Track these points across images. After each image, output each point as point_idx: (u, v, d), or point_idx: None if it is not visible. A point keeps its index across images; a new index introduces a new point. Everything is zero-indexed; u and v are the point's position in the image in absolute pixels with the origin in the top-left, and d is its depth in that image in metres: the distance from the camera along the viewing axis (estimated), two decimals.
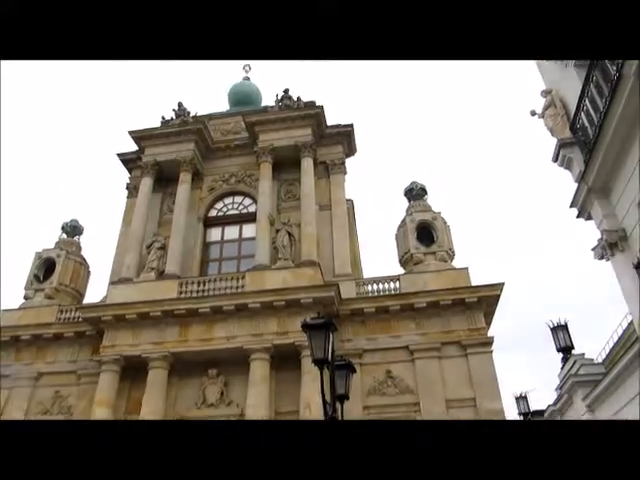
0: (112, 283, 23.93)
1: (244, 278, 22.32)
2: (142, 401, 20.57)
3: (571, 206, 10.71)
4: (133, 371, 21.78)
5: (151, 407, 20.38)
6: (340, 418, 7.72)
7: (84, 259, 27.58)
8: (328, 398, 7.52)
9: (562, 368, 11.65)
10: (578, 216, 10.67)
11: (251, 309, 21.08)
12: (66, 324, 23.68)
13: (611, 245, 9.16)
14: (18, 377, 22.99)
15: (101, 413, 20.46)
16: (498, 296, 21.37)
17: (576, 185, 10.41)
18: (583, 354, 11.02)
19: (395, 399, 20.15)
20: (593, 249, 9.92)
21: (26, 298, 25.58)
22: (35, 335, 23.42)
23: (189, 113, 28.19)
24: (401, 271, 23.64)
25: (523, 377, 64.94)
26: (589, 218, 10.38)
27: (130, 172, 29.08)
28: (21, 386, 22.85)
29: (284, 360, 20.89)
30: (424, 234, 23.70)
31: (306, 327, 7.75)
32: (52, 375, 22.98)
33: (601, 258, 9.66)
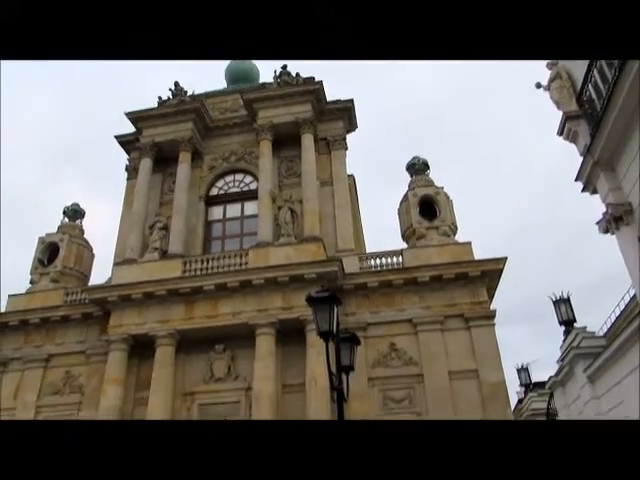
0: (116, 264, 24.11)
1: (247, 255, 22.49)
2: (151, 378, 21.00)
3: (576, 179, 10.69)
4: (141, 349, 22.15)
5: (160, 383, 20.82)
6: (345, 389, 7.90)
7: (87, 242, 27.72)
8: (334, 370, 7.69)
9: (564, 341, 11.84)
10: (583, 190, 10.66)
11: (255, 285, 21.31)
12: (73, 306, 23.97)
13: (616, 219, 9.19)
14: (29, 359, 23.39)
15: (112, 391, 20.92)
16: (501, 270, 21.54)
17: (582, 158, 10.38)
18: (585, 327, 11.18)
19: (399, 371, 20.53)
20: (598, 223, 9.96)
21: (32, 283, 25.82)
22: (43, 318, 23.74)
23: (186, 92, 27.87)
24: (404, 246, 23.76)
25: (525, 350, 65.75)
26: (594, 192, 10.36)
27: (129, 154, 28.94)
28: (32, 368, 23.27)
29: (289, 334, 21.22)
30: (427, 209, 23.74)
31: (311, 301, 7.87)
32: (62, 356, 23.37)
33: (606, 232, 9.70)
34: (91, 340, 23.21)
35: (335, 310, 7.72)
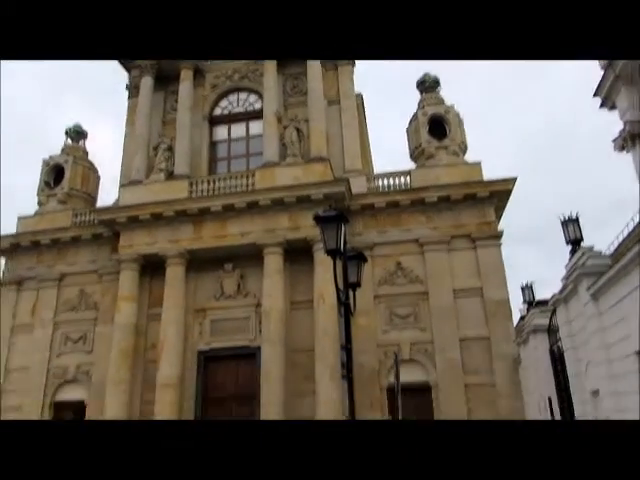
0: (122, 186, 24.09)
1: (254, 176, 22.37)
2: (163, 295, 21.65)
3: (595, 95, 10.28)
4: (152, 268, 22.66)
5: (172, 300, 21.50)
6: (352, 305, 8.10)
7: (92, 164, 27.55)
8: (341, 286, 7.84)
9: (570, 260, 11.93)
10: (602, 105, 10.27)
11: (262, 206, 21.37)
12: (82, 227, 24.30)
13: (633, 136, 8.94)
14: (43, 279, 24.06)
15: (126, 307, 21.67)
16: (510, 191, 21.39)
17: (602, 72, 9.92)
18: (592, 247, 11.20)
19: (405, 288, 21.00)
20: (614, 140, 9.70)
21: (40, 204, 26.01)
22: (54, 239, 24.15)
23: None
24: (412, 166, 23.47)
25: (531, 270, 66.57)
26: (612, 108, 9.99)
27: (129, 72, 27.96)
28: (47, 287, 24.00)
29: (297, 254, 21.56)
30: (436, 128, 23.20)
31: (318, 219, 7.90)
32: (75, 275, 23.99)
33: (621, 150, 9.47)
34: (102, 260, 23.70)
35: (342, 228, 7.75)
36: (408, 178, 22.38)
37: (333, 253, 7.60)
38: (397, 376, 11.00)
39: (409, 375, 18.32)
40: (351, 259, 8.54)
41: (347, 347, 7.70)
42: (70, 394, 22.47)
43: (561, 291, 12.35)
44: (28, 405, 22.22)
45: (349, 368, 7.55)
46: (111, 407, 20.33)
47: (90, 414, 21.50)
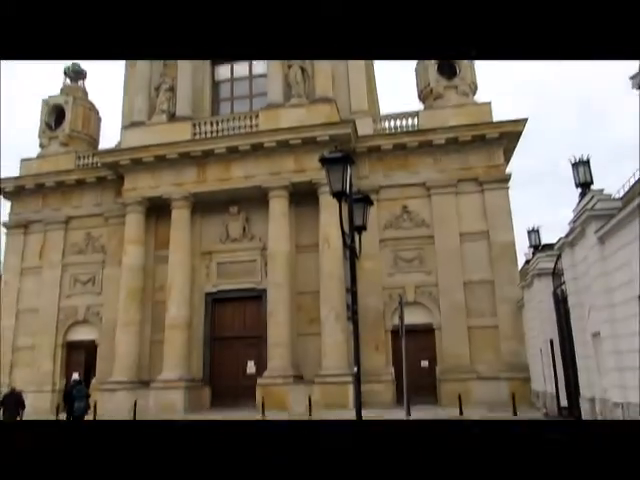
0: (125, 127, 23.68)
1: (258, 117, 21.88)
2: (170, 238, 21.74)
3: None
4: (157, 211, 22.65)
5: (179, 243, 21.61)
6: (358, 249, 8.04)
7: (92, 104, 26.98)
8: (347, 229, 7.75)
9: (578, 203, 11.72)
10: None
11: (267, 148, 21.03)
12: (86, 170, 24.13)
13: None
14: (49, 222, 24.14)
15: (133, 250, 21.83)
16: (520, 132, 20.87)
17: None
18: (602, 189, 10.97)
19: (410, 232, 20.96)
20: (632, 77, 9.29)
21: (42, 147, 25.72)
22: (58, 182, 24.06)
23: None
24: (420, 107, 22.85)
25: (539, 214, 66.11)
26: None
27: None
28: (54, 230, 24.13)
29: (302, 197, 21.43)
30: (446, 67, 22.38)
31: (324, 161, 7.71)
32: (81, 218, 24.05)
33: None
34: (107, 203, 23.67)
35: (348, 170, 7.56)
36: (416, 119, 21.84)
37: (339, 195, 7.45)
38: (401, 318, 11.11)
39: (413, 317, 18.59)
40: (357, 202, 8.39)
41: (352, 290, 7.71)
42: (81, 334, 23.04)
43: (568, 234, 12.23)
44: (40, 345, 22.86)
45: (354, 310, 7.59)
46: (121, 347, 20.88)
47: (101, 353, 22.13)
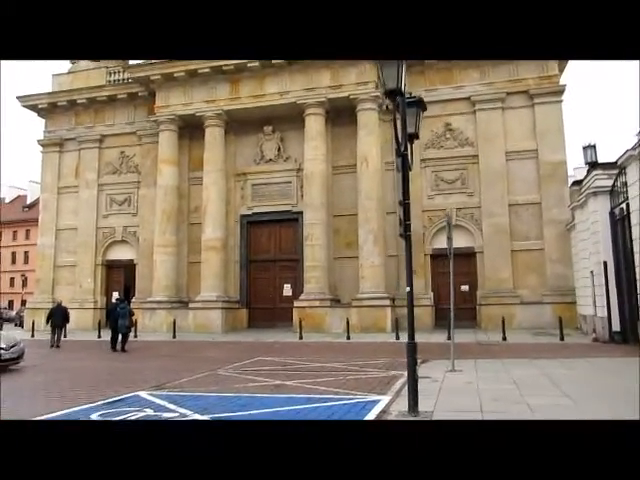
0: None
1: None
2: (203, 159, 21.26)
3: None
4: (191, 130, 22.08)
5: (213, 164, 21.13)
6: (410, 159, 7.33)
7: None
8: (400, 137, 6.98)
9: None
10: None
11: (302, 62, 19.80)
12: (117, 86, 23.54)
13: None
14: (83, 140, 23.91)
15: (167, 170, 21.49)
16: None
17: None
18: None
19: (453, 152, 19.90)
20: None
21: (72, 62, 25.05)
22: (90, 99, 23.55)
23: None
24: None
25: (596, 129, 61.96)
26: None
27: None
28: (88, 148, 23.93)
29: (339, 115, 20.45)
30: None
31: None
32: (114, 137, 23.70)
33: None
34: (140, 121, 23.17)
35: (403, 67, 6.70)
36: None
37: (392, 94, 6.63)
38: (449, 237, 10.51)
39: (454, 241, 17.84)
40: (409, 106, 7.56)
41: (405, 202, 7.12)
42: (120, 254, 23.35)
43: (635, 146, 11.14)
44: (81, 263, 23.31)
45: (407, 226, 7.03)
46: (159, 268, 21.06)
47: (140, 273, 22.45)
